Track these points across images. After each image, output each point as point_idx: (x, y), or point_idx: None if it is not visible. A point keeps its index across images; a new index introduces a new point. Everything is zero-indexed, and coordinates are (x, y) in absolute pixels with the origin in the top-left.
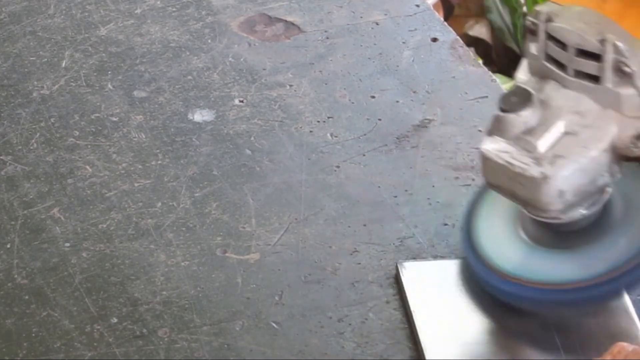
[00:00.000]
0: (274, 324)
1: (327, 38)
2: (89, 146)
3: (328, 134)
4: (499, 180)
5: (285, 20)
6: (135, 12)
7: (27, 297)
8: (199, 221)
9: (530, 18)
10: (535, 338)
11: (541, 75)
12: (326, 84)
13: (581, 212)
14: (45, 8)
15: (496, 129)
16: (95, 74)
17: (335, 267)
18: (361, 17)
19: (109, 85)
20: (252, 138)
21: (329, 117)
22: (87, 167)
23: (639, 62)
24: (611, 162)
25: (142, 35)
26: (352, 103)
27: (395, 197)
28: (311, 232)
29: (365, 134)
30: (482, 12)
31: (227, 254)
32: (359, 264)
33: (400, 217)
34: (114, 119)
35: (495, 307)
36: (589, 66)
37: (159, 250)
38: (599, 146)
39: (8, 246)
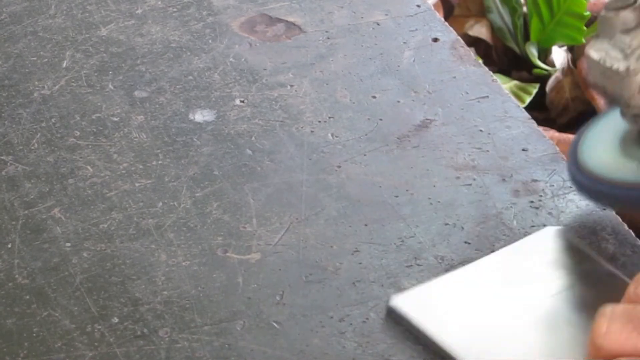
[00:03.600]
0: (275, 324)
1: (328, 38)
2: (90, 146)
3: (329, 134)
4: (595, 77)
5: (286, 21)
6: (136, 12)
7: (27, 297)
8: (200, 221)
9: None
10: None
11: None
12: (327, 84)
13: None
14: (46, 8)
15: (600, 29)
16: (96, 74)
17: (336, 266)
18: (362, 18)
19: (110, 86)
20: (253, 138)
21: (329, 117)
22: (88, 167)
23: None
24: None
25: (143, 35)
26: (353, 103)
27: (397, 197)
28: (312, 232)
29: (366, 134)
30: (482, 12)
31: (228, 254)
32: (360, 263)
33: (402, 217)
34: (115, 119)
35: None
36: None
37: (159, 250)
38: None
39: (9, 246)
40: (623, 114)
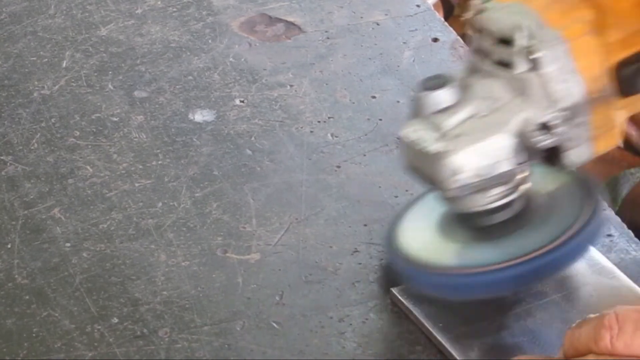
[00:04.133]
0: (274, 324)
1: (328, 38)
2: (90, 146)
3: (329, 134)
4: (410, 159)
5: (286, 21)
6: (136, 12)
7: (27, 297)
8: (200, 221)
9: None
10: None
11: (471, 70)
12: (327, 84)
13: (487, 199)
14: (45, 8)
15: (414, 109)
16: (95, 74)
17: (336, 267)
18: (362, 17)
19: (110, 86)
20: (253, 138)
21: (329, 117)
22: (88, 167)
23: (549, 51)
24: (516, 150)
25: (142, 35)
26: (353, 103)
27: (396, 197)
28: (312, 232)
29: (366, 134)
30: None
31: (227, 254)
32: (360, 264)
33: None
34: (115, 119)
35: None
36: (505, 53)
37: (159, 250)
38: (502, 129)
39: (9, 246)
40: (441, 196)
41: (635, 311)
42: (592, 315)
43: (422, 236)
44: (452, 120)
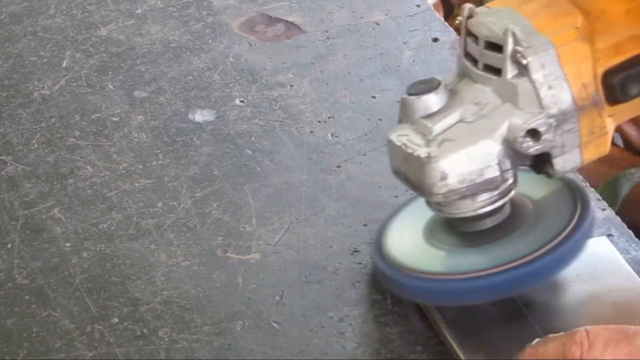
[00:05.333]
0: (274, 324)
1: (328, 38)
2: (90, 146)
3: (329, 134)
4: (397, 163)
5: (286, 21)
6: (136, 12)
7: (27, 297)
8: (200, 221)
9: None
10: None
11: (461, 74)
12: (327, 84)
13: (473, 205)
14: (45, 8)
15: (402, 113)
16: (95, 74)
17: (336, 267)
18: (362, 17)
19: (110, 86)
20: (253, 138)
21: (329, 117)
22: (88, 167)
23: (538, 56)
24: (503, 155)
25: (142, 35)
26: (353, 103)
27: (396, 197)
28: (312, 232)
29: (366, 134)
30: None
31: (227, 254)
32: (360, 263)
33: None
34: (115, 119)
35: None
36: (494, 59)
37: (159, 250)
38: (489, 135)
39: (9, 246)
40: (427, 202)
41: (606, 329)
42: (552, 335)
43: (409, 242)
44: (440, 125)
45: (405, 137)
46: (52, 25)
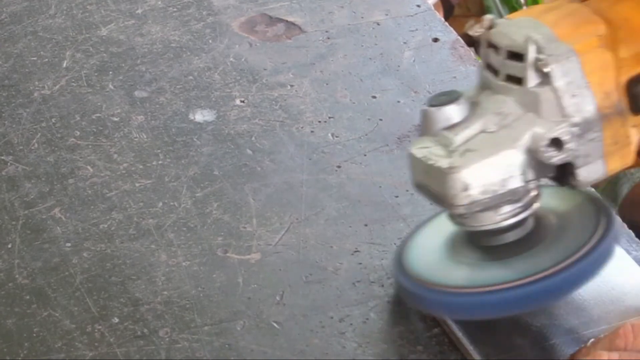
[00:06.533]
0: (275, 324)
1: (328, 38)
2: (90, 146)
3: (329, 134)
4: (419, 177)
5: (286, 21)
6: (136, 12)
7: (28, 297)
8: (200, 221)
9: (475, 27)
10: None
11: (482, 86)
12: (327, 84)
13: (496, 217)
14: (46, 8)
15: (423, 125)
16: (96, 74)
17: (337, 267)
18: (362, 17)
19: (110, 86)
20: (253, 138)
21: (330, 117)
22: (88, 167)
23: (561, 64)
24: (526, 166)
25: (143, 35)
26: (353, 103)
27: (397, 197)
28: (312, 232)
29: (366, 134)
30: (482, 12)
31: (228, 254)
32: (360, 263)
33: (402, 217)
34: (115, 119)
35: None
36: (516, 68)
37: (160, 250)
38: (512, 145)
39: (9, 246)
40: (450, 215)
41: None
42: (605, 334)
43: (432, 256)
44: (461, 136)
45: (427, 149)
46: (53, 25)
